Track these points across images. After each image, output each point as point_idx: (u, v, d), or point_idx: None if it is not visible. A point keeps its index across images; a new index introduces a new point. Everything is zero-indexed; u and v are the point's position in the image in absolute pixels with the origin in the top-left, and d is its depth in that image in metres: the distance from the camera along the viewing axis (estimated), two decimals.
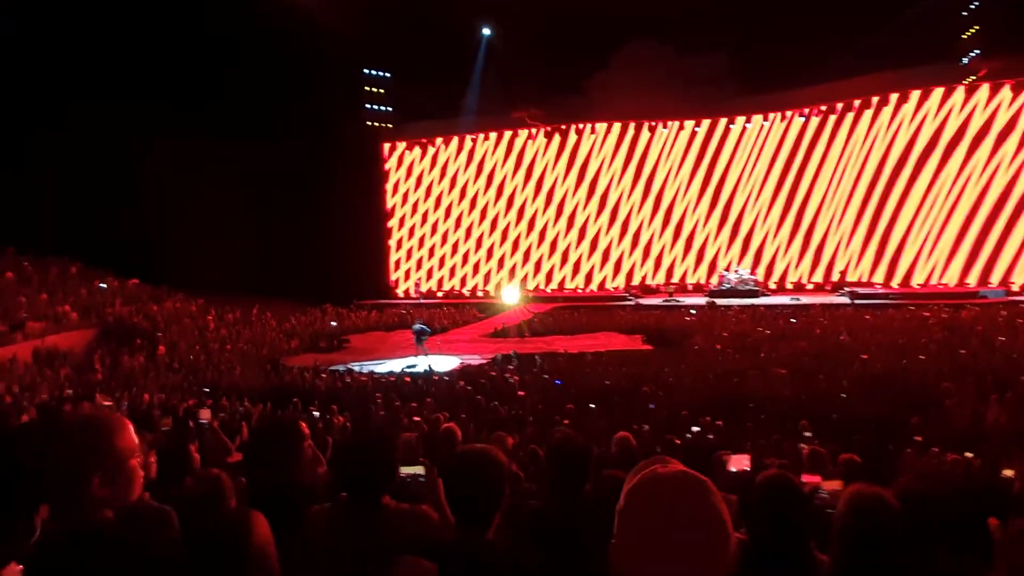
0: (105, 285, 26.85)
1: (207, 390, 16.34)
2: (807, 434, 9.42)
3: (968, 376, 13.73)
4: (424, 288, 36.83)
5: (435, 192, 37.83)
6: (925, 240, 29.34)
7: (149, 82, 28.83)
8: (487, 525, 1.98)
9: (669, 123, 34.48)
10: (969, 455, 7.87)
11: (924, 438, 9.85)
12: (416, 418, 11.19)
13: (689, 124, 34.27)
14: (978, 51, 28.51)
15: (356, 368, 19.86)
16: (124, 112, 27.40)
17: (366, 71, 37.03)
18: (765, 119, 33.04)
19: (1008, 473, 6.42)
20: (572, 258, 35.76)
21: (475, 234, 37.14)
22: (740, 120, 33.55)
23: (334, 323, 28.22)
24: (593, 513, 2.25)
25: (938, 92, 29.27)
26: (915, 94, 29.68)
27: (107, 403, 10.73)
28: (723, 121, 33.77)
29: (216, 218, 30.69)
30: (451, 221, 37.53)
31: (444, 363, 21.30)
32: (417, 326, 22.23)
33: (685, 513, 1.18)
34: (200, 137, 29.03)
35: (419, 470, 2.65)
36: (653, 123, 34.63)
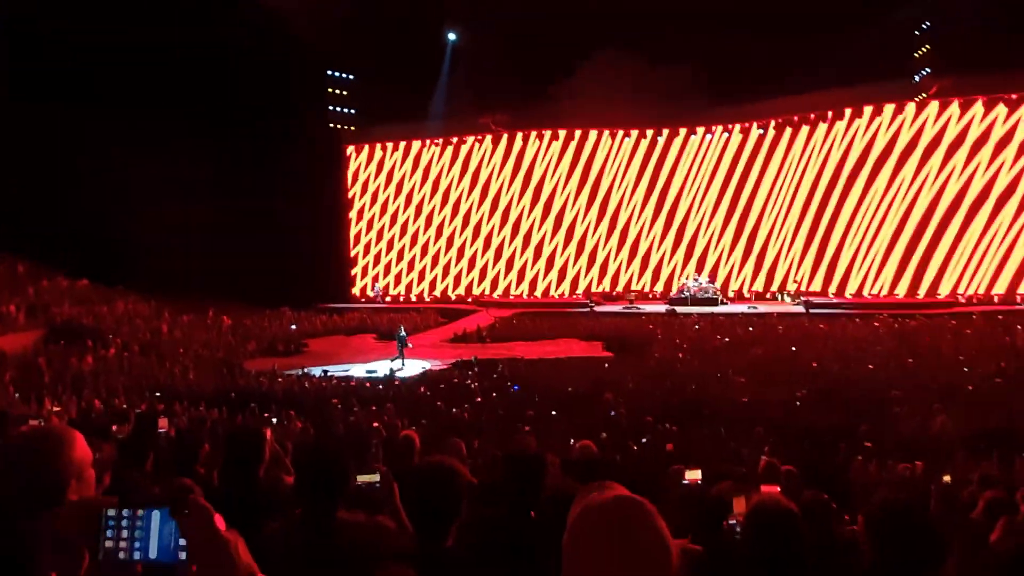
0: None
1: (158, 394, 15.98)
2: (766, 447, 9.55)
3: (915, 384, 14.17)
4: (380, 290, 36.49)
5: (397, 195, 37.59)
6: (874, 251, 30.17)
7: (105, 77, 28.13)
8: (445, 534, 1.99)
9: (631, 132, 34.83)
10: (919, 464, 8.10)
11: (873, 445, 10.12)
12: (376, 424, 11.10)
13: (650, 133, 34.66)
14: (929, 69, 29.49)
15: (318, 373, 19.69)
16: (79, 108, 26.69)
17: (330, 72, 36.69)
18: (727, 130, 33.61)
19: (947, 479, 6.64)
20: (526, 264, 35.86)
21: (433, 237, 36.99)
22: (700, 131, 34.07)
23: (293, 326, 27.86)
24: (545, 525, 2.27)
25: (890, 108, 30.15)
26: (868, 110, 30.53)
27: (56, 408, 10.40)
28: (683, 131, 34.27)
29: (172, 218, 30.01)
30: (413, 224, 37.32)
31: (406, 369, 21.31)
32: (402, 333, 22.61)
33: (625, 538, 1.21)
34: (157, 135, 28.40)
35: (374, 478, 2.64)
36: (615, 131, 34.95)
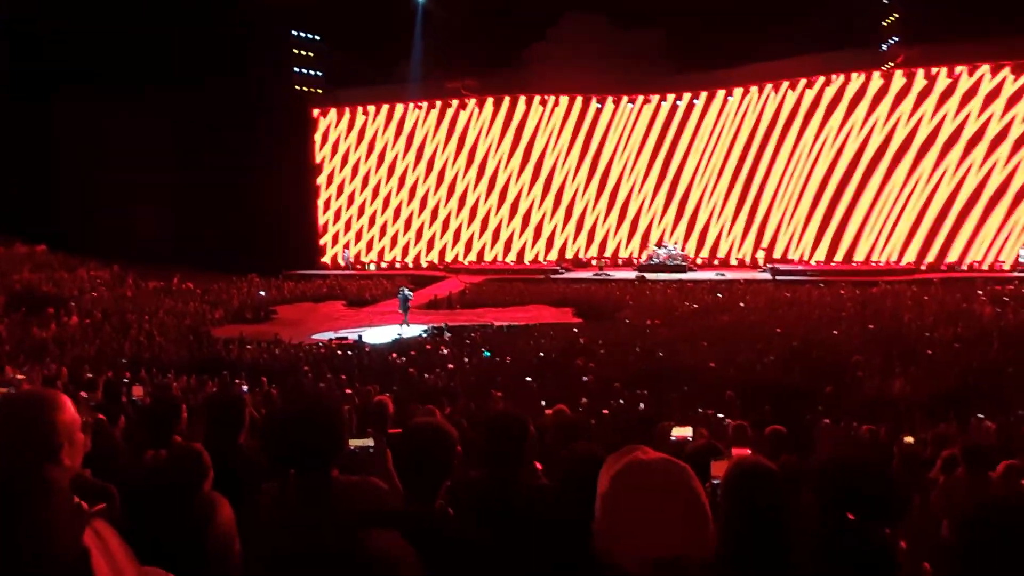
0: None
1: (124, 361, 15.77)
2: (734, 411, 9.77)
3: (877, 349, 14.56)
4: (352, 257, 36.13)
5: (364, 160, 37.00)
6: (842, 218, 30.67)
7: (68, 39, 27.16)
8: (435, 495, 2.02)
9: (607, 98, 34.51)
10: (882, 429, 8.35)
11: (836, 407, 10.42)
12: (348, 390, 11.13)
13: (623, 101, 34.42)
14: (896, 38, 29.71)
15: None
16: (39, 70, 25.76)
17: (295, 33, 35.74)
18: (696, 97, 33.50)
19: (908, 440, 6.89)
20: (503, 231, 35.72)
21: (404, 203, 36.61)
22: (671, 97, 33.90)
23: (262, 293, 27.51)
24: (544, 486, 2.31)
25: (857, 77, 30.33)
26: (837, 78, 30.67)
27: (20, 376, 10.18)
28: (655, 98, 34.07)
29: (135, 183, 29.26)
30: (381, 190, 36.84)
31: (379, 335, 21.30)
32: (404, 293, 22.71)
33: (671, 496, 1.28)
34: (120, 98, 27.54)
35: (368, 442, 2.67)
36: (589, 97, 34.67)
